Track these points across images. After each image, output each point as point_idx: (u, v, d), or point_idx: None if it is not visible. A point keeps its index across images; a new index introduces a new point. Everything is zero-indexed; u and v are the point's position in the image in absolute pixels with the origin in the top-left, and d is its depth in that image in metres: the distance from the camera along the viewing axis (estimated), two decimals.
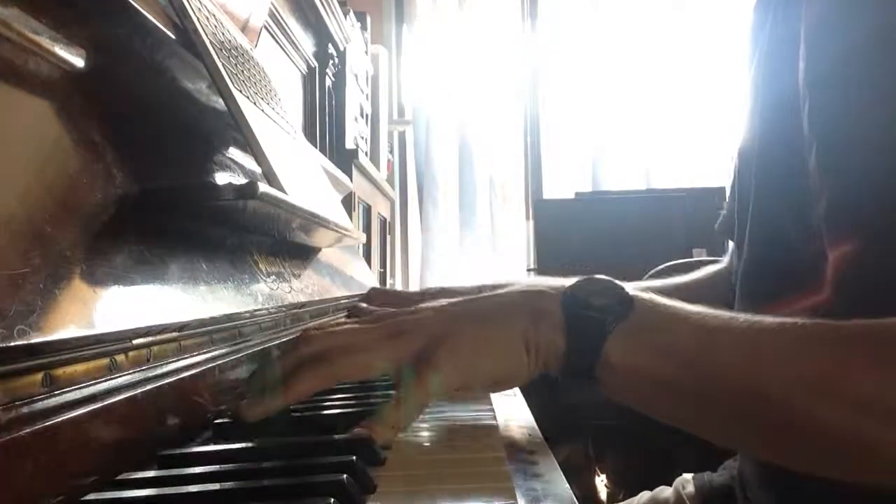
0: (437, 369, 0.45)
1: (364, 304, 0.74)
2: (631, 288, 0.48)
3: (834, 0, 0.47)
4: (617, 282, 0.48)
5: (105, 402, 0.37)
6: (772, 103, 0.56)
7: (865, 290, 0.45)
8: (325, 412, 0.55)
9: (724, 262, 0.80)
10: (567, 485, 0.39)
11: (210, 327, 0.53)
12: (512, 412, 0.60)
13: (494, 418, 0.55)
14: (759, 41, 0.60)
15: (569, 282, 0.49)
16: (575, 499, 0.37)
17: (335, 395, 0.60)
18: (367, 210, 1.97)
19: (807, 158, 0.49)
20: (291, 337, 0.73)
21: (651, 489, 0.80)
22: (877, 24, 0.44)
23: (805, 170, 0.49)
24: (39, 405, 0.33)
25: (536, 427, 0.55)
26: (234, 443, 0.45)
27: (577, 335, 0.46)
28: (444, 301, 0.51)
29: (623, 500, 0.84)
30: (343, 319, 0.55)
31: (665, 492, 0.77)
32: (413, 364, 0.46)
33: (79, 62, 0.46)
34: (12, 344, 0.30)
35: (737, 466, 0.66)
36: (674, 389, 0.44)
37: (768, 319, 0.43)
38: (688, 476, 0.77)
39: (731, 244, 0.79)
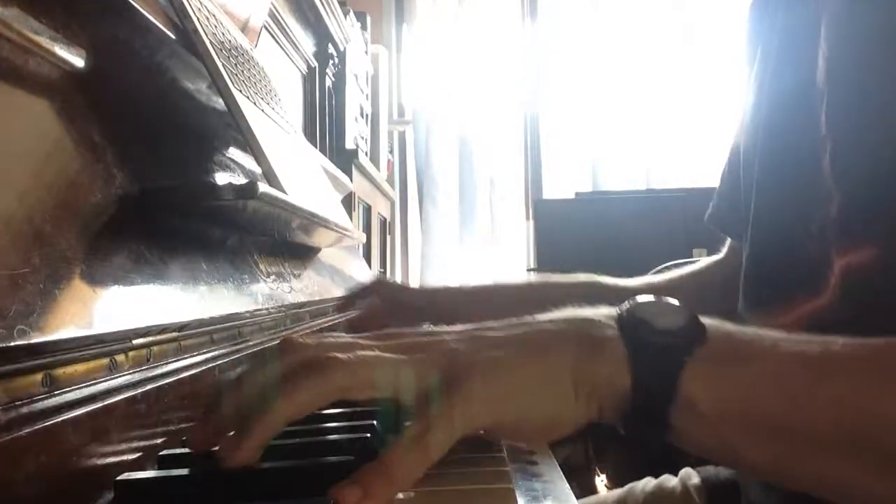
0: (470, 398, 0.35)
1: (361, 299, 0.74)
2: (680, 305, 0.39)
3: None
4: (676, 301, 0.39)
5: (105, 402, 0.37)
6: (780, 102, 0.54)
7: (875, 298, 0.43)
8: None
9: (722, 254, 0.80)
10: (567, 485, 0.39)
11: (210, 327, 0.53)
12: None
13: None
14: (763, 39, 0.59)
15: (618, 308, 0.39)
16: (575, 499, 0.37)
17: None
18: (367, 210, 1.97)
19: (819, 160, 0.47)
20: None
21: None
22: (890, 24, 0.43)
23: (813, 170, 0.47)
24: (39, 405, 0.33)
25: None
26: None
27: (646, 368, 0.36)
28: (467, 326, 0.40)
29: None
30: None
31: (671, 481, 0.77)
32: (439, 388, 0.35)
33: (79, 62, 0.46)
34: (12, 344, 0.30)
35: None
36: (776, 430, 0.35)
37: (872, 340, 0.36)
38: (692, 470, 0.77)
39: (728, 239, 0.79)
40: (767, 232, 0.56)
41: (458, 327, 0.40)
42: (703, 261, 0.82)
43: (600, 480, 1.42)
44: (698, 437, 0.36)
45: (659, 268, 1.54)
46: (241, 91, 0.66)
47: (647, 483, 0.78)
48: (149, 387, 0.42)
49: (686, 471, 0.77)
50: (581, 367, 0.36)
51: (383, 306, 0.79)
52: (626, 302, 0.39)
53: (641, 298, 0.39)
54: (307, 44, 1.44)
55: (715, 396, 0.35)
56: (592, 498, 0.84)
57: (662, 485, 0.77)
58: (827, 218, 0.46)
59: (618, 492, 0.79)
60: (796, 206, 0.51)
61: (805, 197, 0.49)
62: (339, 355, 0.36)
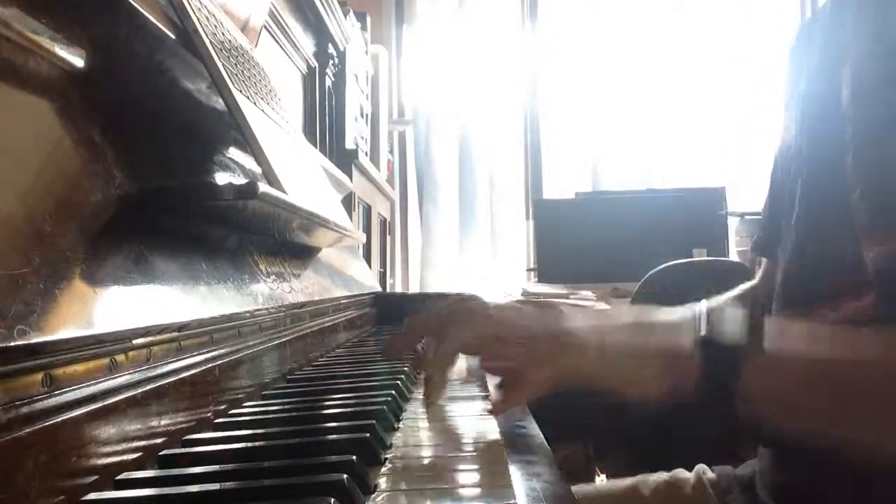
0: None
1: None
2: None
3: (871, 31, 0.53)
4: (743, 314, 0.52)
5: (105, 402, 0.37)
6: (818, 116, 0.60)
7: None
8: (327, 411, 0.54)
9: (757, 279, 0.80)
10: (567, 485, 0.39)
11: (210, 327, 0.53)
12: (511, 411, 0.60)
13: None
14: (805, 63, 0.65)
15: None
16: (575, 499, 0.37)
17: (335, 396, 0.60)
18: (367, 210, 1.97)
19: (846, 172, 0.52)
20: (291, 338, 0.73)
21: None
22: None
23: (843, 179, 0.52)
24: (39, 405, 0.33)
25: (536, 426, 0.55)
26: (234, 442, 0.45)
27: (714, 367, 0.50)
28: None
29: None
30: None
31: (684, 473, 0.77)
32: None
33: (79, 62, 0.46)
34: (12, 344, 0.30)
35: (756, 466, 0.68)
36: (826, 373, 0.49)
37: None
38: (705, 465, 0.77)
39: (763, 261, 0.79)
40: (813, 237, 0.59)
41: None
42: (740, 287, 0.82)
43: (600, 480, 1.42)
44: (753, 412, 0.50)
45: (658, 268, 1.54)
46: (241, 91, 0.66)
47: (660, 475, 0.79)
48: (149, 387, 0.42)
49: (701, 466, 0.77)
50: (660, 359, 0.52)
51: None
52: (710, 313, 0.53)
53: (722, 313, 0.52)
54: (307, 44, 1.44)
55: (762, 387, 0.49)
56: (604, 483, 0.84)
57: (676, 476, 0.77)
58: (854, 220, 0.51)
59: (629, 480, 0.79)
60: (838, 209, 0.55)
61: (844, 201, 0.53)
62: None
